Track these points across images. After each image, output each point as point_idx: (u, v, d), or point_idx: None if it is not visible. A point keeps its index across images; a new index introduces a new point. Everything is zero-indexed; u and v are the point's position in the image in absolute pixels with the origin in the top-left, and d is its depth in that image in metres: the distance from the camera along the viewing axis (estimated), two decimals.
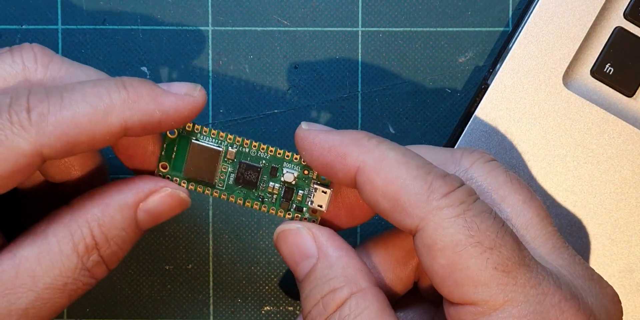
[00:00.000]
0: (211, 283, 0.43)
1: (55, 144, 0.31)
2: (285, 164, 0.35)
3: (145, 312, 0.43)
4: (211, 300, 0.43)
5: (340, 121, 0.43)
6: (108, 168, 0.38)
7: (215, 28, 0.43)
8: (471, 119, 0.41)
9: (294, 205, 0.35)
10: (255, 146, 0.35)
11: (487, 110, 0.41)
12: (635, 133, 0.41)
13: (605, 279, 0.41)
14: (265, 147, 0.35)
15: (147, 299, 0.43)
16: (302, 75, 0.43)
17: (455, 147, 0.41)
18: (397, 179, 0.31)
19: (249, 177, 0.35)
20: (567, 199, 0.41)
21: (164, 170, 0.35)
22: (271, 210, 0.35)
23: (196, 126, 0.35)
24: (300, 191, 0.35)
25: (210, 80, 0.43)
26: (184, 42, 0.43)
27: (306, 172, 0.35)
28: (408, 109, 0.43)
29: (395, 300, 0.36)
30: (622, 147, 0.41)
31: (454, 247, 0.30)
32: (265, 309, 0.43)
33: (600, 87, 0.41)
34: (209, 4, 0.43)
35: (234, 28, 0.43)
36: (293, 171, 0.35)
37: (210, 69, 0.43)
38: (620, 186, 0.41)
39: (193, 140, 0.35)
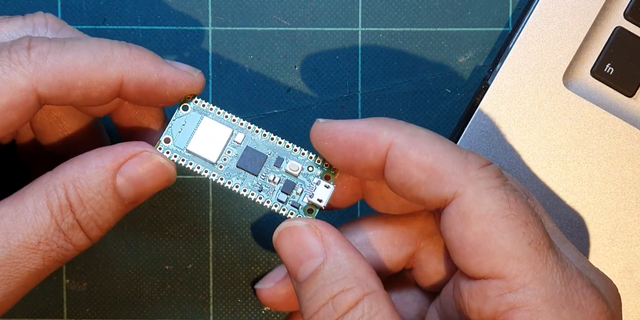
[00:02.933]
0: (211, 283, 0.43)
1: (51, 82, 0.31)
2: (291, 156, 0.35)
3: (145, 312, 0.43)
4: (211, 300, 0.44)
5: None
6: (107, 139, 0.38)
7: (215, 28, 0.43)
8: (471, 119, 0.41)
9: (291, 201, 0.35)
10: (265, 135, 0.35)
11: (487, 110, 0.41)
12: (635, 133, 0.41)
13: None
14: (274, 137, 0.35)
15: (147, 299, 0.43)
16: (302, 75, 0.43)
17: None
18: (433, 151, 0.31)
19: (252, 163, 0.35)
20: (567, 199, 0.41)
21: (165, 144, 0.35)
22: (266, 203, 0.35)
23: (211, 106, 0.35)
24: (300, 187, 0.35)
25: (210, 81, 0.43)
26: (184, 42, 0.43)
27: (310, 168, 0.35)
28: (408, 109, 0.43)
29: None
30: (622, 147, 0.41)
31: (492, 217, 0.30)
32: (265, 309, 0.43)
33: (600, 87, 0.41)
34: (209, 4, 0.43)
35: (234, 28, 0.43)
36: (299, 163, 0.35)
37: (210, 69, 0.43)
38: (620, 186, 0.41)
39: (206, 117, 0.35)
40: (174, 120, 0.35)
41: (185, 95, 0.34)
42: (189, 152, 0.35)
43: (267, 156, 0.35)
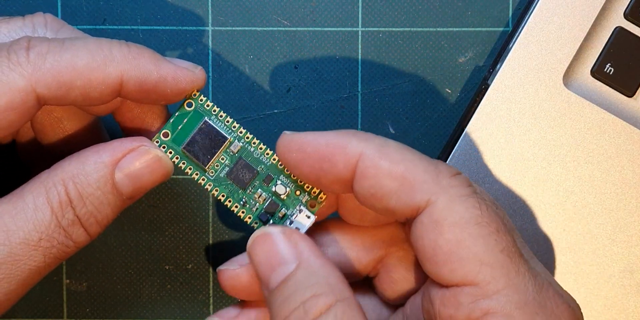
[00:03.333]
0: (211, 283, 0.43)
1: (50, 83, 0.31)
2: (282, 176, 0.35)
3: (145, 312, 0.43)
4: (211, 300, 0.43)
5: (340, 121, 0.43)
6: (107, 139, 0.38)
7: (215, 28, 0.43)
8: (471, 119, 0.41)
9: (271, 221, 0.35)
10: (261, 149, 0.35)
11: (487, 110, 0.41)
12: (635, 133, 0.41)
13: (605, 279, 0.41)
14: (270, 153, 0.35)
15: (147, 299, 0.43)
16: (302, 75, 0.43)
17: (456, 147, 0.41)
18: (404, 160, 0.31)
19: (242, 176, 0.35)
20: (567, 199, 0.41)
21: (164, 138, 0.35)
22: (247, 218, 0.35)
23: (215, 108, 0.35)
24: (284, 209, 0.35)
25: (210, 81, 0.43)
26: (184, 42, 0.43)
27: (298, 192, 0.35)
28: (408, 109, 0.43)
29: None
30: (622, 147, 0.41)
31: (465, 224, 0.30)
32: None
33: (600, 87, 0.41)
34: (209, 4, 0.43)
35: (234, 28, 0.43)
36: (287, 186, 0.35)
37: (210, 69, 0.43)
38: (620, 186, 0.41)
39: (206, 119, 0.35)
40: (175, 115, 0.35)
41: (188, 92, 0.34)
42: (183, 152, 0.35)
43: (258, 172, 0.35)
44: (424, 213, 0.31)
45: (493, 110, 0.41)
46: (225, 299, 0.43)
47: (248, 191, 0.35)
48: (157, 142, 0.35)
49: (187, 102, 0.35)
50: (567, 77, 0.41)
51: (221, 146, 0.35)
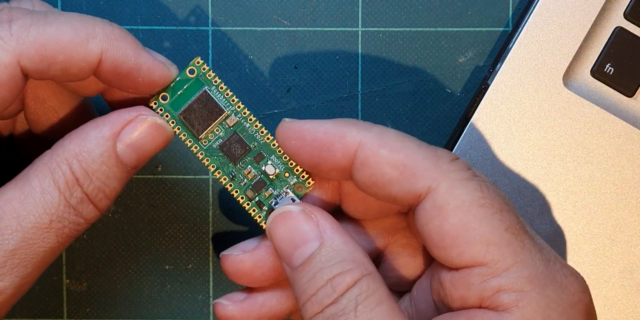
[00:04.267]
0: (211, 283, 0.43)
1: (33, 56, 0.31)
2: (273, 156, 0.35)
3: (145, 312, 0.43)
4: (211, 301, 0.44)
5: None
6: None
7: (215, 28, 0.43)
8: (471, 119, 0.41)
9: (257, 199, 0.35)
10: (257, 126, 0.35)
11: (487, 110, 0.41)
12: (635, 133, 0.41)
13: (605, 279, 0.41)
14: (265, 132, 0.35)
15: (147, 299, 0.43)
16: (302, 75, 0.43)
17: (456, 147, 0.41)
18: (403, 148, 0.32)
19: (234, 150, 0.35)
20: (567, 199, 0.41)
21: (162, 101, 0.35)
22: (234, 192, 0.35)
23: (216, 78, 0.35)
24: (270, 189, 0.35)
25: None
26: (184, 42, 0.43)
27: (287, 174, 0.35)
28: (408, 109, 0.43)
29: None
30: (622, 147, 0.41)
31: (468, 207, 0.31)
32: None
33: (600, 87, 0.41)
34: (209, 4, 0.43)
35: (234, 28, 0.43)
36: (277, 166, 0.35)
37: (210, 69, 0.43)
38: (620, 186, 0.41)
39: (206, 88, 0.35)
40: (177, 80, 0.35)
41: (158, 86, 0.34)
42: (179, 117, 0.35)
43: (250, 148, 0.35)
44: (427, 199, 0.31)
45: (493, 110, 0.41)
46: None
47: (238, 166, 0.35)
48: (154, 103, 0.35)
49: (189, 68, 0.35)
50: (567, 77, 0.41)
51: (217, 118, 0.35)
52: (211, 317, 0.43)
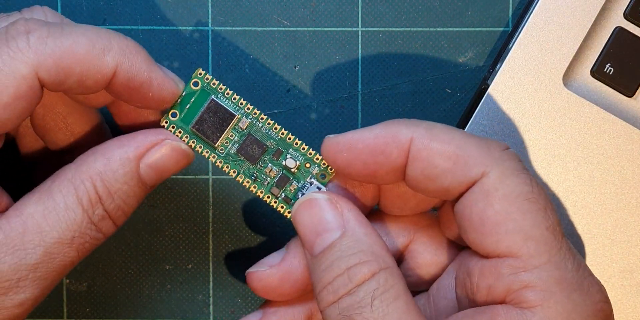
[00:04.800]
0: (211, 283, 0.43)
1: (51, 67, 0.31)
2: (291, 150, 0.35)
3: (145, 312, 0.43)
4: (211, 300, 0.44)
5: (340, 121, 0.43)
6: (109, 135, 0.38)
7: (215, 28, 0.43)
8: (471, 119, 0.41)
9: (283, 195, 0.35)
10: (269, 124, 0.35)
11: (487, 110, 0.41)
12: (635, 133, 0.41)
13: (605, 279, 0.41)
14: (278, 127, 0.35)
15: (147, 299, 0.43)
16: (302, 75, 0.43)
17: None
18: (454, 139, 0.32)
19: (252, 151, 0.35)
20: (567, 199, 0.41)
21: (172, 118, 0.35)
22: (259, 193, 0.35)
23: (221, 85, 0.35)
24: (295, 182, 0.35)
25: None
26: (184, 42, 0.43)
27: (308, 165, 0.35)
28: (408, 109, 0.43)
29: None
30: (622, 147, 0.41)
31: (515, 198, 0.31)
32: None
33: (600, 87, 0.41)
34: (209, 4, 0.43)
35: (234, 28, 0.43)
36: (297, 159, 0.35)
37: (210, 69, 0.43)
38: (620, 186, 0.41)
39: (213, 97, 0.35)
40: (183, 95, 0.35)
41: (166, 102, 0.34)
42: (192, 131, 0.35)
43: (267, 146, 0.35)
44: (476, 185, 0.31)
45: (493, 111, 0.41)
46: (225, 299, 0.43)
47: (258, 166, 0.35)
48: (165, 122, 0.35)
49: (193, 81, 0.35)
50: (567, 77, 0.41)
51: (230, 123, 0.35)
52: (211, 317, 0.43)
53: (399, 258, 0.37)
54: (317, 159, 0.35)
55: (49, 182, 0.33)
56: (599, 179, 0.41)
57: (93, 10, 0.43)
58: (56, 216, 0.32)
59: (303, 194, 0.35)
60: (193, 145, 0.35)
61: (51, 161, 0.38)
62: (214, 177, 0.43)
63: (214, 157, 0.35)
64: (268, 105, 0.43)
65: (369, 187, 0.35)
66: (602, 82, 0.41)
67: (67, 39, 0.32)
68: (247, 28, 0.43)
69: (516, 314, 0.30)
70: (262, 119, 0.35)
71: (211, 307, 0.43)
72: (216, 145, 0.35)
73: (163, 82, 0.34)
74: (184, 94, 0.35)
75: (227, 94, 0.35)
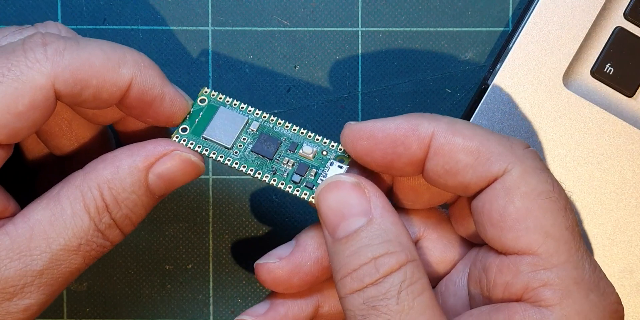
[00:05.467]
0: (211, 283, 0.43)
1: (68, 79, 0.31)
2: (306, 141, 0.35)
3: (145, 312, 0.43)
4: (211, 300, 0.44)
5: (340, 121, 0.43)
6: (113, 141, 0.39)
7: (215, 28, 0.43)
8: (471, 119, 0.41)
9: (305, 182, 0.35)
10: (280, 123, 0.35)
11: (487, 110, 0.41)
12: (635, 133, 0.41)
13: None
14: (289, 125, 0.35)
15: (147, 299, 0.43)
16: (302, 75, 0.43)
17: None
18: (476, 135, 0.32)
19: (267, 148, 0.35)
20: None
21: (182, 133, 0.35)
22: (280, 185, 0.35)
23: (227, 98, 0.36)
24: (314, 169, 0.35)
25: (210, 81, 0.43)
26: (184, 42, 0.43)
27: (325, 153, 0.35)
28: (408, 109, 0.43)
29: None
30: (622, 147, 0.41)
31: (536, 195, 0.31)
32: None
33: (600, 87, 0.41)
34: (209, 4, 0.43)
35: (234, 28, 0.43)
36: (313, 146, 0.35)
37: (210, 69, 0.43)
38: (620, 186, 0.41)
39: (222, 106, 0.35)
40: (191, 112, 0.35)
41: (175, 118, 0.35)
42: (205, 139, 0.35)
43: (281, 141, 0.35)
44: (498, 181, 0.31)
45: (493, 110, 0.41)
46: (225, 299, 0.43)
47: (276, 160, 0.35)
48: (176, 137, 0.35)
49: (200, 99, 0.36)
50: (567, 77, 0.41)
51: (240, 126, 0.35)
52: (211, 317, 0.43)
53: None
54: (332, 146, 0.35)
55: (57, 189, 0.33)
56: (599, 179, 0.41)
57: (93, 10, 0.43)
58: (63, 223, 0.32)
59: (325, 176, 0.34)
60: (207, 153, 0.35)
61: (54, 167, 0.38)
62: (214, 177, 0.43)
63: (229, 160, 0.35)
64: (268, 105, 0.43)
65: (382, 178, 0.35)
66: (602, 82, 0.41)
67: (84, 51, 0.32)
68: (247, 28, 0.43)
69: (534, 312, 0.30)
70: (272, 120, 0.35)
71: (211, 307, 0.44)
72: (230, 147, 0.35)
73: (175, 97, 0.34)
74: (191, 111, 0.35)
75: (234, 104, 0.36)
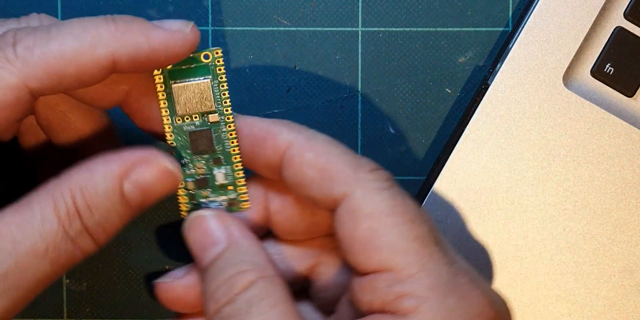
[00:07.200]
0: None
1: (41, 76, 0.31)
2: (228, 167, 0.36)
3: (145, 312, 0.43)
4: None
5: (340, 121, 0.43)
6: (118, 135, 0.38)
7: (215, 28, 0.43)
8: (471, 119, 0.41)
9: (194, 192, 0.36)
10: (231, 135, 0.35)
11: (487, 110, 0.41)
12: (635, 133, 0.41)
13: (605, 279, 0.41)
14: (235, 142, 0.35)
15: (147, 299, 0.43)
16: (302, 75, 0.43)
17: (456, 147, 0.41)
18: (328, 153, 0.33)
19: (199, 142, 0.35)
20: (567, 199, 0.41)
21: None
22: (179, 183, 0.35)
23: (223, 76, 0.35)
24: (210, 192, 0.36)
25: None
26: None
27: (230, 187, 0.36)
28: (408, 109, 0.43)
29: None
30: (622, 147, 0.41)
31: (379, 214, 0.32)
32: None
33: (600, 87, 0.41)
34: (209, 4, 0.43)
35: (234, 28, 0.43)
36: (227, 177, 0.36)
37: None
38: (620, 186, 0.41)
39: (209, 79, 0.35)
40: (189, 56, 0.35)
41: (183, 54, 0.33)
42: (172, 87, 0.35)
43: (214, 150, 0.35)
44: (342, 205, 0.32)
45: (493, 110, 0.41)
46: None
47: (194, 157, 0.35)
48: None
49: (204, 53, 0.35)
50: (567, 77, 0.41)
51: (203, 109, 0.35)
52: None
53: (306, 280, 0.37)
54: (241, 189, 0.36)
55: (31, 193, 0.32)
56: (599, 179, 0.41)
57: (93, 10, 0.43)
58: (31, 226, 0.31)
59: (206, 205, 0.36)
60: (162, 97, 0.35)
61: (56, 163, 0.38)
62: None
63: (168, 119, 0.35)
64: (268, 105, 0.43)
65: (259, 209, 0.36)
66: (602, 82, 0.41)
67: (53, 42, 0.31)
68: (247, 28, 0.43)
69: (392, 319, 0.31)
70: (230, 126, 0.35)
71: None
72: (177, 113, 0.35)
73: (168, 41, 0.33)
74: (191, 55, 0.34)
75: (222, 86, 0.35)
